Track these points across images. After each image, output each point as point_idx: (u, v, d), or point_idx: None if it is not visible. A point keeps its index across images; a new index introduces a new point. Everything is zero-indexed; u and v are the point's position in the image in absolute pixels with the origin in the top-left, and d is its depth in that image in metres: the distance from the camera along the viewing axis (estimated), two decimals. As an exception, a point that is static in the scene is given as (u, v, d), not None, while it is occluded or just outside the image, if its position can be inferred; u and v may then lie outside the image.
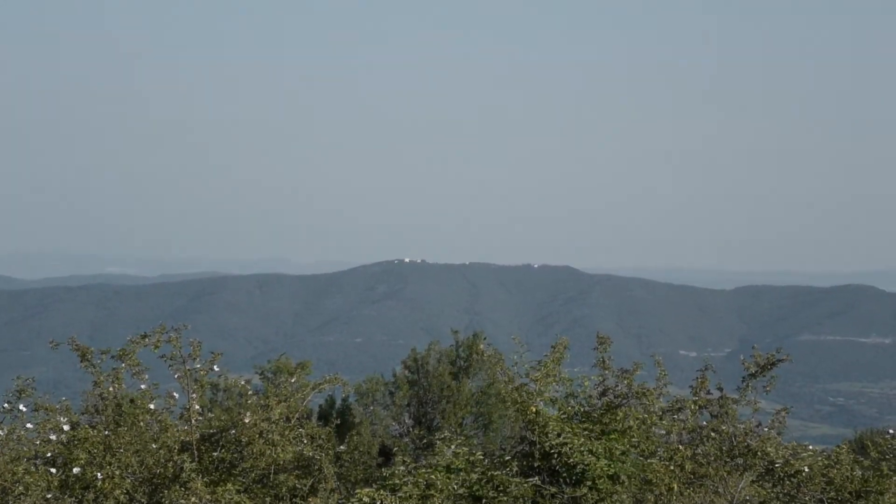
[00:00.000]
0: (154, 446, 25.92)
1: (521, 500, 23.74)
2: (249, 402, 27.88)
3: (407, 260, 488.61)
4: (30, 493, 23.91)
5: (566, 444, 24.08)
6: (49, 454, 25.72)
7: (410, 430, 55.87)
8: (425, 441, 51.23)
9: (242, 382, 30.56)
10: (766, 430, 26.52)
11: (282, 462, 26.39)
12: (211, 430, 27.22)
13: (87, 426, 25.74)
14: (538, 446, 24.53)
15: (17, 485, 23.97)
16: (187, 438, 26.55)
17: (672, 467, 25.38)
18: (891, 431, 28.64)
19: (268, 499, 25.88)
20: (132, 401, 26.38)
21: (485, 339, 43.63)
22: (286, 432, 26.78)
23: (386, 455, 48.74)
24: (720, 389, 26.67)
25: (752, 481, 25.88)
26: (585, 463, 23.93)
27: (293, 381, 29.00)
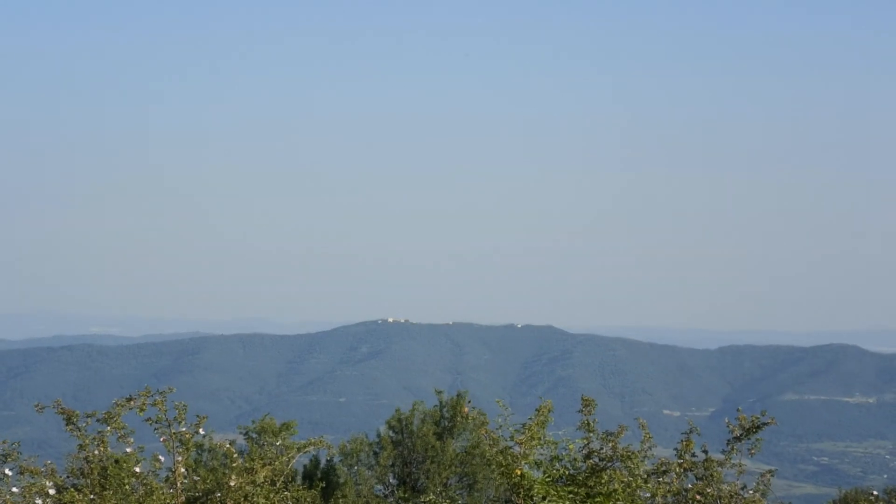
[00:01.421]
0: (140, 509, 25.85)
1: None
2: (234, 464, 27.88)
3: (390, 320, 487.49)
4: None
5: (551, 507, 24.08)
6: (34, 518, 25.63)
7: (395, 490, 55.73)
8: (409, 502, 51.11)
9: (227, 445, 30.52)
10: (750, 492, 26.58)
11: (267, 525, 26.35)
12: (196, 494, 27.20)
13: (72, 489, 25.69)
14: (523, 509, 24.52)
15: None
16: (173, 502, 26.51)
17: (657, 530, 25.39)
18: (875, 493, 28.77)
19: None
20: (117, 461, 26.36)
21: (469, 402, 43.71)
22: (271, 495, 26.77)
23: (370, 517, 48.58)
24: (705, 452, 26.76)
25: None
26: (571, 526, 23.94)
27: (278, 443, 29.03)
